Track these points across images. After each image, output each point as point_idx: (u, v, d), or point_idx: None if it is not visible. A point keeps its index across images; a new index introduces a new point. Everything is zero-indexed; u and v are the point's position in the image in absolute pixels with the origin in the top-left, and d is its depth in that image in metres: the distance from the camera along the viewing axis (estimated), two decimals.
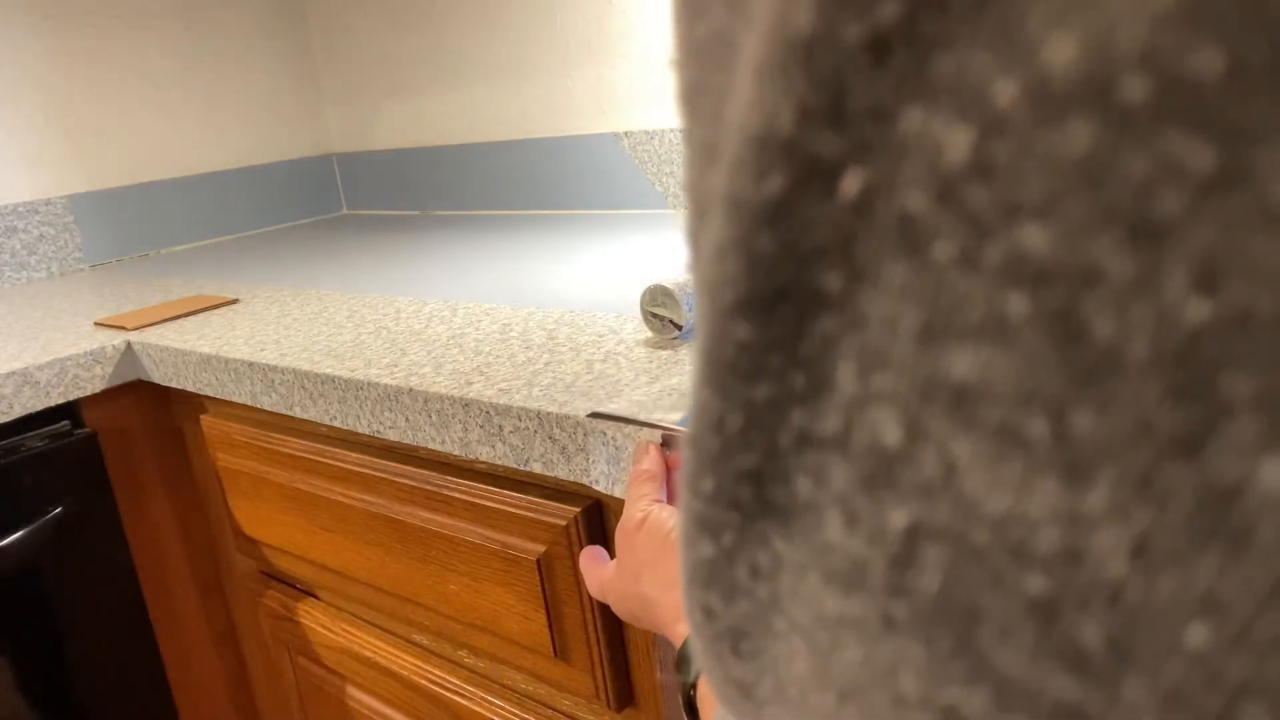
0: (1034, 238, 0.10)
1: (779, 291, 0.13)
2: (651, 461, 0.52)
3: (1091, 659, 0.10)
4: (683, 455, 0.15)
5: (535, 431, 0.61)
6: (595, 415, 0.57)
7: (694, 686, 0.41)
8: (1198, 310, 0.09)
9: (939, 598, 0.12)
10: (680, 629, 0.43)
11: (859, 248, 0.12)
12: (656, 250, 1.06)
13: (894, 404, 0.12)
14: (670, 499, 0.53)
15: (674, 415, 0.56)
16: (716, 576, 0.15)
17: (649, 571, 0.45)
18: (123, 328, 1.02)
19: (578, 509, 0.63)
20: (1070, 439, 0.10)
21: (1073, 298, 0.10)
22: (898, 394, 0.12)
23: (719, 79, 0.14)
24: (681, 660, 0.42)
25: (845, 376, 0.12)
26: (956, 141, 0.10)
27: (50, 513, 0.95)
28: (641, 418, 0.55)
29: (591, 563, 0.53)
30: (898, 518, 0.12)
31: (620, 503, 0.62)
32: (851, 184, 0.11)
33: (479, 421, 0.64)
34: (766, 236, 0.12)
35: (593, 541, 0.63)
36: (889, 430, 0.12)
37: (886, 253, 0.11)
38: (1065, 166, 0.10)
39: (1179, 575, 0.10)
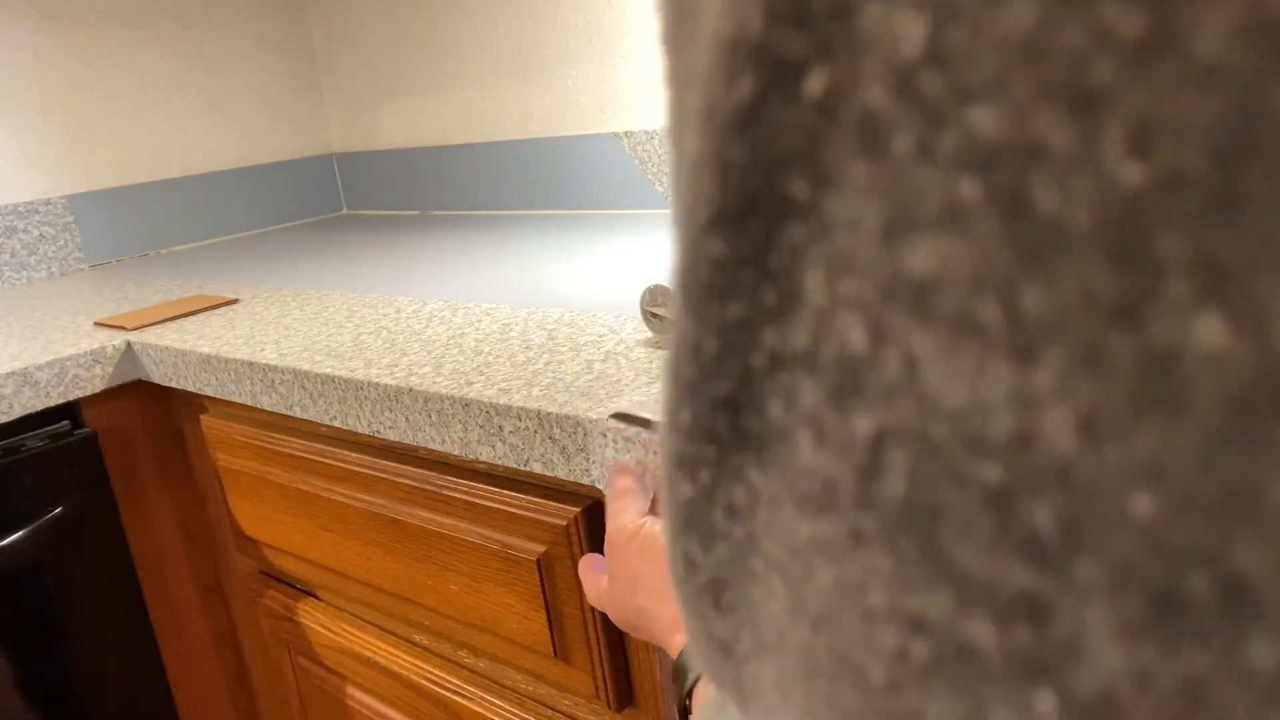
0: (984, 120, 0.10)
1: (750, 202, 0.13)
2: (634, 474, 0.52)
3: (1045, 544, 0.10)
4: (663, 391, 0.16)
5: (535, 431, 0.61)
6: (619, 416, 0.56)
7: (689, 697, 0.41)
8: (1132, 175, 0.09)
9: (904, 503, 0.12)
10: (677, 640, 0.43)
11: (824, 151, 0.12)
12: (656, 250, 1.06)
13: (860, 308, 0.12)
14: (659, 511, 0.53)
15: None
16: (696, 519, 0.16)
17: (644, 583, 0.45)
18: (123, 328, 1.02)
19: (578, 509, 0.63)
20: (1020, 319, 0.10)
21: (1020, 176, 0.10)
22: (863, 297, 0.12)
23: (695, 7, 0.14)
24: (678, 671, 0.42)
25: (813, 286, 0.12)
26: (912, 32, 0.11)
27: (50, 513, 0.95)
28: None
29: (590, 572, 0.53)
30: (864, 425, 0.12)
31: None
32: (815, 84, 0.12)
33: (479, 421, 0.64)
34: (737, 146, 0.13)
35: (593, 541, 0.63)
36: (855, 335, 0.12)
37: (849, 153, 0.12)
38: (1011, 45, 0.10)
39: (1123, 446, 0.10)
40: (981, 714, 0.11)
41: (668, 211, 1.30)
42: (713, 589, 0.16)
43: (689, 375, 0.15)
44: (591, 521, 0.63)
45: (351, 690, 0.92)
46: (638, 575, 0.46)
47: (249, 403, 0.85)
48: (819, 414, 0.13)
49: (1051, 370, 0.10)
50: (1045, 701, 0.11)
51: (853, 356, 0.12)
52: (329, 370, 0.75)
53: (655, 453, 0.54)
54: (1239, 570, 0.09)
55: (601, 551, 0.61)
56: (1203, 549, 0.09)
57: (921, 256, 0.11)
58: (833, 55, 0.11)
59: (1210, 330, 0.09)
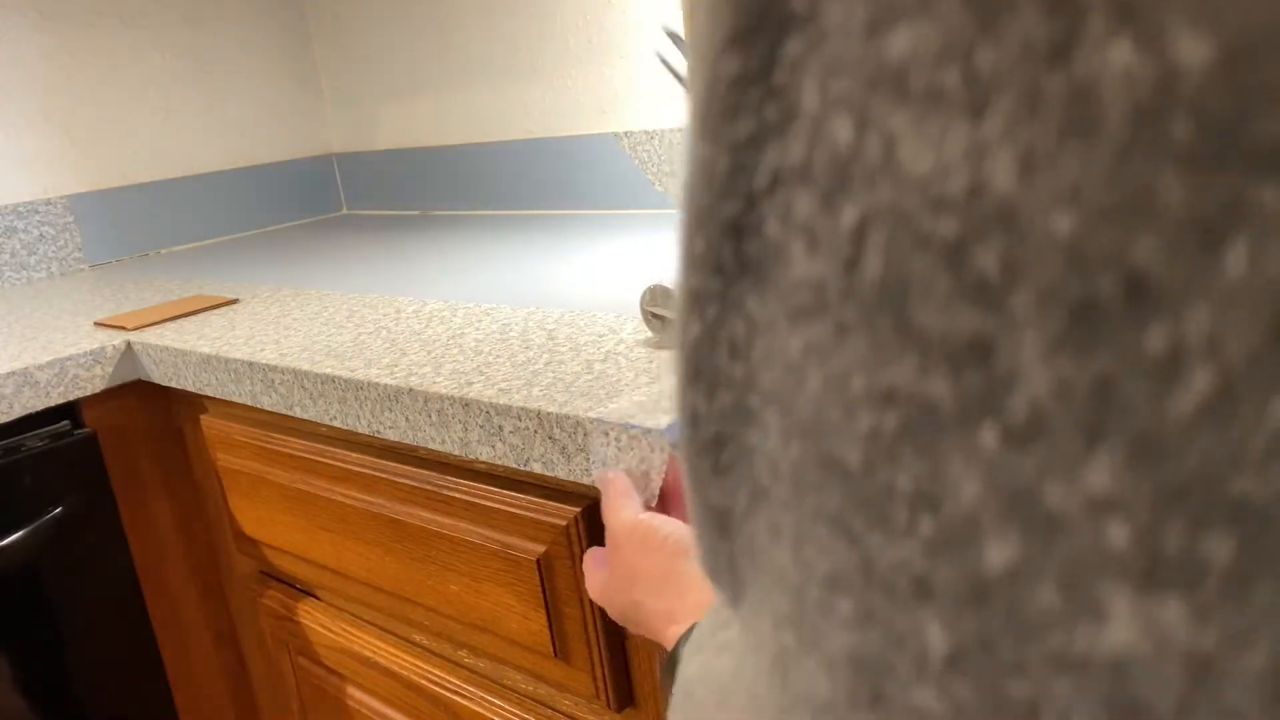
0: None
1: (758, 18, 0.14)
2: (619, 480, 0.53)
3: (990, 284, 0.12)
4: (679, 221, 0.17)
5: (535, 431, 0.61)
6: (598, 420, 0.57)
7: None
8: None
9: (881, 282, 0.13)
10: (671, 632, 0.43)
11: None
12: (656, 250, 1.06)
13: (848, 105, 0.13)
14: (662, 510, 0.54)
15: (670, 416, 0.56)
16: (702, 364, 0.17)
17: (641, 577, 0.46)
18: (123, 328, 1.02)
19: (578, 509, 0.63)
20: (975, 78, 0.12)
21: None
22: (851, 94, 0.13)
23: None
24: (672, 663, 0.42)
25: (809, 95, 0.14)
26: None
27: (50, 513, 0.95)
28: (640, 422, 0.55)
29: (592, 567, 0.53)
30: (849, 216, 0.13)
31: None
32: None
33: (479, 421, 0.64)
34: None
35: (593, 541, 0.63)
36: (843, 132, 0.13)
37: None
38: None
39: (1050, 175, 0.11)
40: (940, 470, 0.13)
41: (668, 212, 1.30)
42: (714, 447, 0.17)
43: (703, 200, 0.16)
44: (591, 521, 0.63)
45: (351, 690, 0.92)
46: (635, 569, 0.46)
47: (249, 403, 0.85)
48: (811, 221, 0.14)
49: (998, 119, 0.11)
50: (989, 436, 0.12)
51: (840, 153, 0.13)
52: (329, 370, 0.75)
53: (658, 450, 0.54)
54: (1140, 266, 0.11)
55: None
56: (1111, 253, 0.11)
57: (899, 43, 0.12)
58: None
59: (1120, 53, 0.10)
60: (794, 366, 0.15)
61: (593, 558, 0.54)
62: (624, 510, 0.49)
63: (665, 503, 0.57)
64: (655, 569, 0.45)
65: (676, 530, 0.47)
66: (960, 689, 0.13)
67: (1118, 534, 0.11)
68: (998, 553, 0.12)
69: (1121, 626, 0.11)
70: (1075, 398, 0.11)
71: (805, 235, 0.14)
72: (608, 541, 0.49)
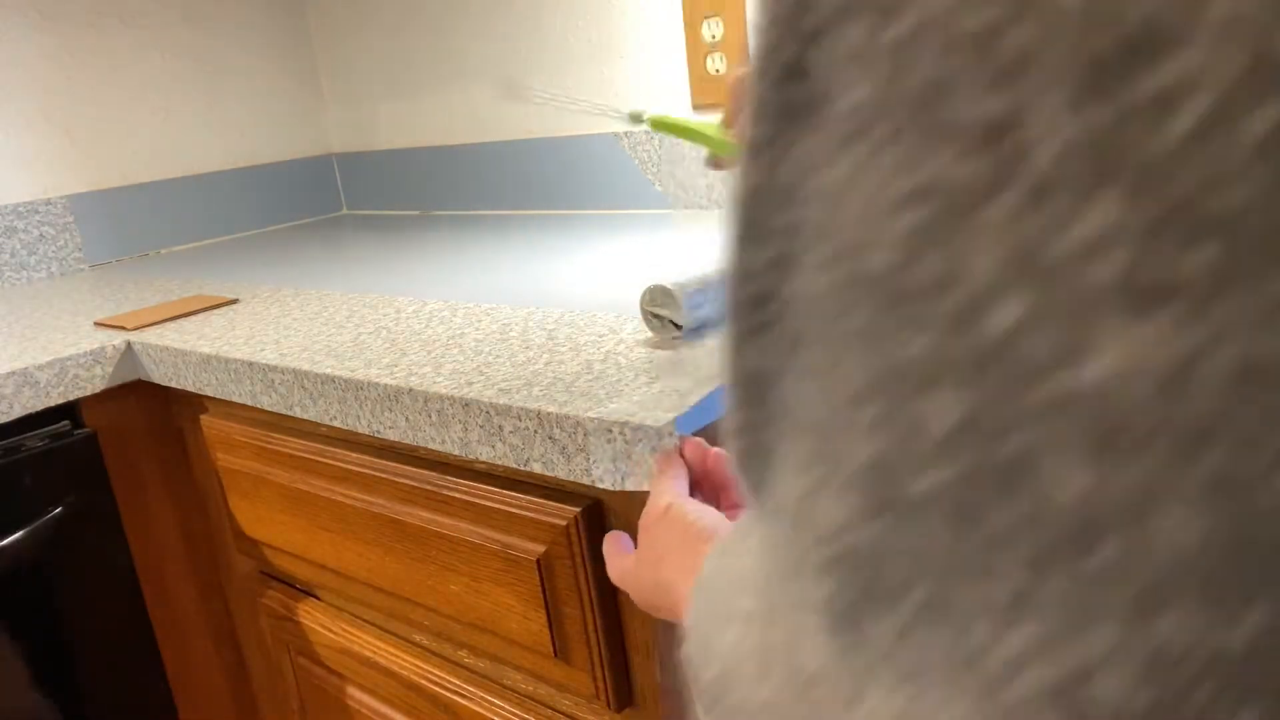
0: None
1: None
2: (677, 461, 0.53)
3: (1013, 63, 0.13)
4: (750, 62, 0.18)
5: (535, 431, 0.61)
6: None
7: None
8: None
9: (920, 85, 0.15)
10: None
11: None
12: (656, 250, 1.06)
13: None
14: (699, 496, 0.54)
15: (670, 415, 0.56)
16: (756, 216, 0.19)
17: (670, 557, 0.46)
18: (123, 328, 1.02)
19: (578, 509, 0.63)
20: None
21: None
22: None
23: None
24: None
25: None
26: None
27: (50, 513, 0.95)
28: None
29: (614, 549, 0.54)
30: (896, 30, 0.15)
31: (621, 500, 0.62)
32: None
33: (479, 421, 0.64)
34: None
35: (592, 541, 0.63)
36: None
37: None
38: None
39: None
40: (960, 250, 0.14)
41: (668, 212, 1.30)
42: (756, 305, 0.19)
43: (765, 46, 0.18)
44: (591, 522, 0.63)
45: (351, 690, 0.92)
46: (665, 550, 0.47)
47: (249, 403, 0.85)
48: (859, 48, 0.16)
49: None
50: (1003, 206, 0.14)
51: None
52: (329, 370, 0.75)
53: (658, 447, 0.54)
54: (1140, 20, 0.12)
55: (599, 553, 0.61)
56: (1115, 13, 0.12)
57: None
58: None
59: None
60: (837, 191, 0.16)
61: (612, 542, 0.54)
62: (662, 496, 0.50)
63: (694, 492, 0.57)
64: (684, 550, 0.46)
65: (707, 514, 0.47)
66: (965, 458, 0.15)
67: (1111, 267, 0.13)
68: (1003, 313, 0.14)
69: (1108, 354, 0.13)
70: (1082, 151, 0.13)
71: (853, 64, 0.16)
72: (641, 523, 0.50)
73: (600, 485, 0.59)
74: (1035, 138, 0.13)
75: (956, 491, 0.15)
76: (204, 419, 0.95)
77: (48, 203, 1.45)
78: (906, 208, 0.15)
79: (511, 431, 0.62)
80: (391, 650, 0.85)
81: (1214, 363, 0.12)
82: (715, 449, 0.56)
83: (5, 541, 0.91)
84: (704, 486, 0.56)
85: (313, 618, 0.93)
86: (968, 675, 0.15)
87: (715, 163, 0.61)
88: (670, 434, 0.56)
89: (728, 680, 0.21)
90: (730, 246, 0.20)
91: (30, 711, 0.96)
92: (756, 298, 0.19)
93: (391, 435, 0.71)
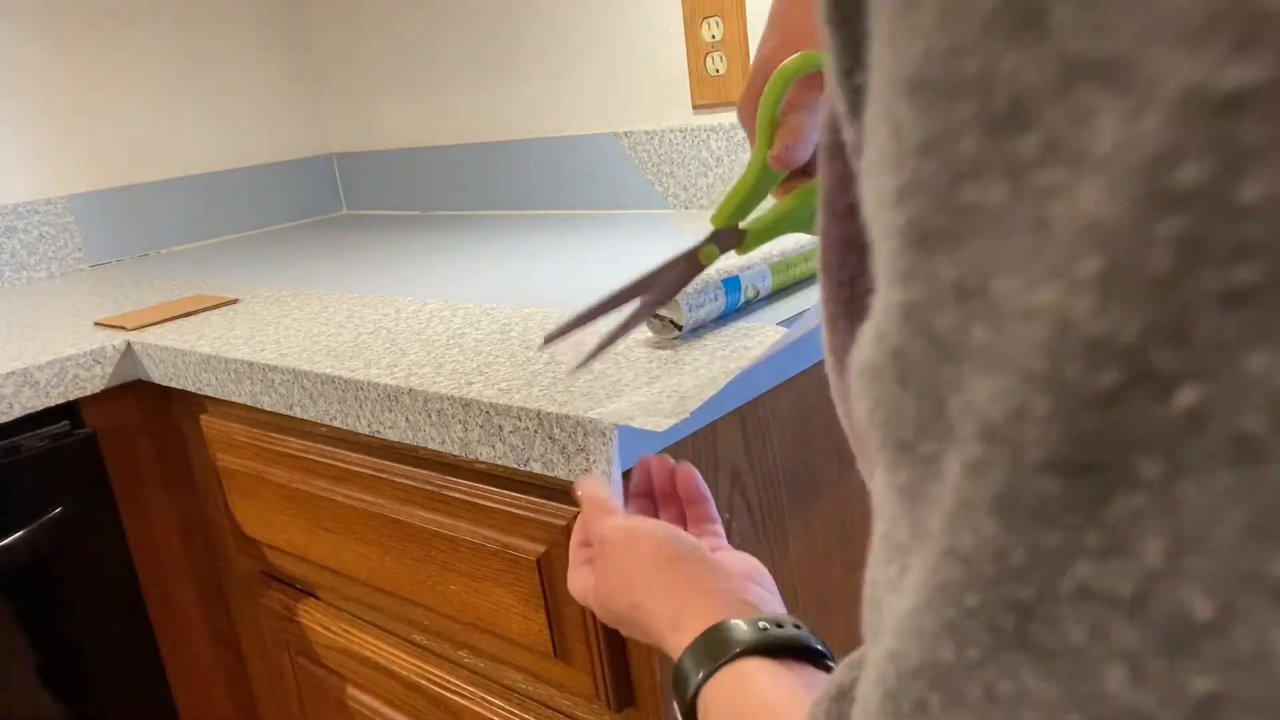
0: None
1: (1095, 465, 0.14)
2: (601, 486, 0.52)
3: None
4: (949, 571, 0.16)
5: (535, 431, 0.61)
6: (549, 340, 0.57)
7: (694, 700, 0.39)
8: None
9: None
10: (675, 639, 0.42)
11: (1186, 450, 0.14)
12: (656, 250, 1.06)
13: (1207, 585, 0.14)
14: (651, 513, 0.53)
15: (669, 420, 0.56)
16: (945, 681, 0.17)
17: (639, 582, 0.45)
18: (123, 328, 1.02)
19: (578, 509, 0.63)
20: None
21: None
22: (1214, 577, 0.14)
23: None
24: (679, 675, 0.41)
25: (1152, 551, 0.14)
26: None
27: (50, 513, 0.95)
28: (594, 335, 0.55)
29: (576, 564, 0.52)
30: (1200, 684, 0.14)
31: None
32: (1188, 397, 0.13)
33: (479, 421, 0.64)
34: (1091, 419, 0.14)
35: None
36: (1199, 606, 0.14)
37: (1217, 460, 0.13)
38: None
39: None
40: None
41: (668, 212, 1.30)
42: None
43: (986, 572, 0.16)
44: None
45: (351, 690, 0.92)
46: (630, 574, 0.46)
47: (249, 403, 0.85)
48: (1140, 656, 0.14)
49: None
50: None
51: (1192, 622, 0.14)
52: (329, 370, 0.75)
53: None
54: None
55: None
56: None
57: None
58: (1210, 379, 0.13)
59: None
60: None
61: (575, 555, 0.53)
62: (611, 516, 0.49)
63: (654, 505, 0.57)
64: (652, 573, 0.45)
65: (667, 532, 0.46)
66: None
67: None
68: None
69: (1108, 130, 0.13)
70: None
71: (1130, 665, 0.15)
72: (596, 548, 0.49)
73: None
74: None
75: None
76: (204, 419, 0.95)
77: (48, 202, 1.45)
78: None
79: (511, 431, 0.62)
80: (391, 650, 0.85)
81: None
82: (683, 464, 0.55)
83: (5, 542, 0.91)
84: (669, 504, 0.56)
85: (313, 618, 0.93)
86: None
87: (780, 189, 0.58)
88: (610, 463, 0.55)
89: None
90: (900, 679, 0.18)
91: (31, 711, 0.96)
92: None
93: (391, 435, 0.71)
